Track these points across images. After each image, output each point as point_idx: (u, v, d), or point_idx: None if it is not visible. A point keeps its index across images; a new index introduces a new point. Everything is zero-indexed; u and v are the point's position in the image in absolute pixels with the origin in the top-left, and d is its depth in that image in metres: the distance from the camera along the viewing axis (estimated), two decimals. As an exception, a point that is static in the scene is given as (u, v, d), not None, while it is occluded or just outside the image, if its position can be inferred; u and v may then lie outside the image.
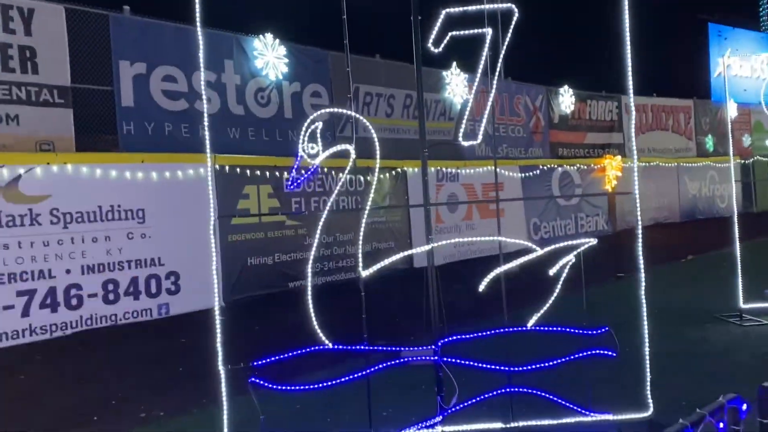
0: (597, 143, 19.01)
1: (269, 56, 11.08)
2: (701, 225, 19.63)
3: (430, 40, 3.77)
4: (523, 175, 14.82)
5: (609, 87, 19.44)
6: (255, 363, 3.57)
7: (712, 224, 19.27)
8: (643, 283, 3.84)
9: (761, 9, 31.96)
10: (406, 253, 4.04)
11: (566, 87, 17.92)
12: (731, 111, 23.19)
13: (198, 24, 3.63)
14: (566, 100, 17.93)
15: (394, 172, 11.94)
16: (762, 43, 26.27)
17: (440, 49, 3.75)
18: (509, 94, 15.91)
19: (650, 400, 3.86)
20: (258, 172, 9.92)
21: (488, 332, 3.86)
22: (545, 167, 15.70)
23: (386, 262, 3.62)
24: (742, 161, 20.86)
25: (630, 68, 3.97)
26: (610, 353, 3.77)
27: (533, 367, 3.85)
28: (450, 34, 3.75)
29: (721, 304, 7.49)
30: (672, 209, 20.28)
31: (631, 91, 3.98)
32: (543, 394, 3.92)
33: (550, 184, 15.75)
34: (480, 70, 3.73)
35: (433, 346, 3.78)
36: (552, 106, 17.66)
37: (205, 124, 3.63)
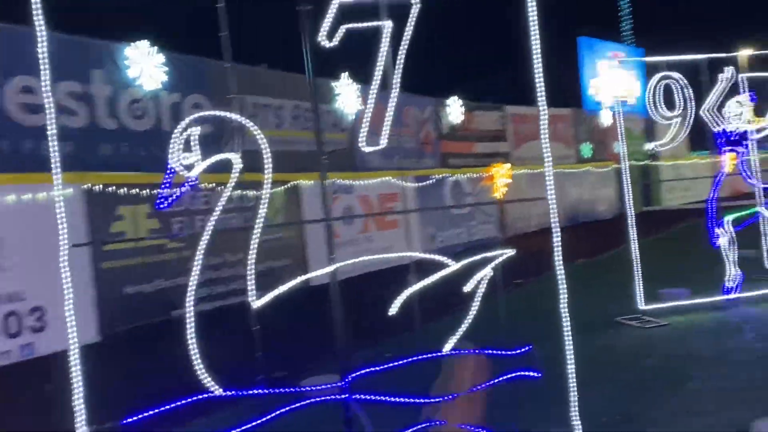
0: (485, 152, 19.37)
1: (144, 65, 10.18)
2: (585, 229, 20.45)
3: (322, 34, 3.31)
4: (417, 185, 14.70)
5: (495, 98, 19.93)
6: (125, 421, 2.93)
7: (595, 227, 20.14)
8: (565, 295, 3.57)
9: (623, 24, 34.61)
10: (305, 276, 3.53)
11: (454, 98, 18.09)
12: (606, 119, 24.63)
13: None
14: (455, 110, 18.09)
15: (286, 186, 11.35)
16: (629, 56, 28.03)
17: (333, 43, 3.31)
18: (398, 105, 15.77)
19: (578, 422, 3.58)
20: (134, 191, 9.00)
21: (402, 361, 3.43)
22: (437, 177, 15.69)
23: (282, 289, 3.10)
24: (617, 166, 22.03)
25: (540, 81, 3.70)
26: (534, 374, 3.45)
27: (454, 396, 3.44)
28: (343, 26, 3.32)
29: (619, 307, 7.53)
30: (557, 213, 20.96)
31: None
32: (466, 426, 3.52)
33: (443, 194, 15.75)
34: (381, 65, 3.32)
35: (341, 383, 3.29)
36: (441, 117, 17.76)
37: (49, 132, 2.96)
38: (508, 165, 17.15)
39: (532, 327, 4.14)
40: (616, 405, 4.40)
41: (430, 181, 15.21)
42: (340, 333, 3.23)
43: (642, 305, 7.41)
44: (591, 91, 26.24)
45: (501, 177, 17.63)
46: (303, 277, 3.31)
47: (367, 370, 3.38)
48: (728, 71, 7.66)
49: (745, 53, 10.84)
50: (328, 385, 3.34)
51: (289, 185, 11.42)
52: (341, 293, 3.97)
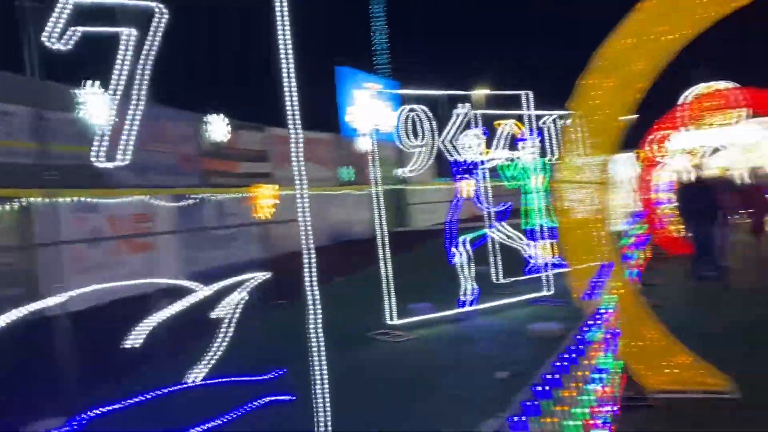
0: (248, 172, 19.19)
1: None
2: (344, 248, 21.26)
3: (48, 34, 2.94)
4: (176, 204, 13.96)
5: (258, 118, 19.87)
6: None
7: (353, 247, 21.05)
8: (319, 315, 3.59)
9: (377, 57, 37.27)
10: (24, 309, 3.05)
11: (218, 115, 17.63)
12: (367, 145, 26.08)
13: None
14: (218, 128, 17.62)
15: (13, 204, 9.94)
16: (385, 88, 30.11)
17: (65, 46, 2.96)
18: (157, 120, 14.88)
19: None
20: None
21: (145, 396, 3.14)
22: (198, 196, 15.10)
23: (-7, 324, 2.64)
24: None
25: (294, 104, 3.74)
26: (287, 398, 3.40)
27: (204, 428, 3.24)
28: (76, 29, 2.99)
29: (371, 323, 7.89)
30: (318, 234, 21.51)
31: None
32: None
33: (205, 214, 15.19)
34: (121, 74, 3.05)
35: (67, 426, 2.89)
36: (203, 134, 17.19)
37: None
38: (276, 186, 17.15)
39: (290, 348, 4.09)
40: (369, 419, 4.55)
41: (190, 201, 14.57)
42: (69, 369, 2.86)
43: (392, 320, 7.88)
44: (348, 118, 27.67)
45: (264, 197, 17.57)
46: (20, 310, 2.86)
47: (100, 410, 3.03)
48: (464, 107, 8.61)
49: (479, 92, 12.33)
50: (53, 431, 2.92)
51: (20, 202, 10.03)
52: (83, 324, 3.54)
